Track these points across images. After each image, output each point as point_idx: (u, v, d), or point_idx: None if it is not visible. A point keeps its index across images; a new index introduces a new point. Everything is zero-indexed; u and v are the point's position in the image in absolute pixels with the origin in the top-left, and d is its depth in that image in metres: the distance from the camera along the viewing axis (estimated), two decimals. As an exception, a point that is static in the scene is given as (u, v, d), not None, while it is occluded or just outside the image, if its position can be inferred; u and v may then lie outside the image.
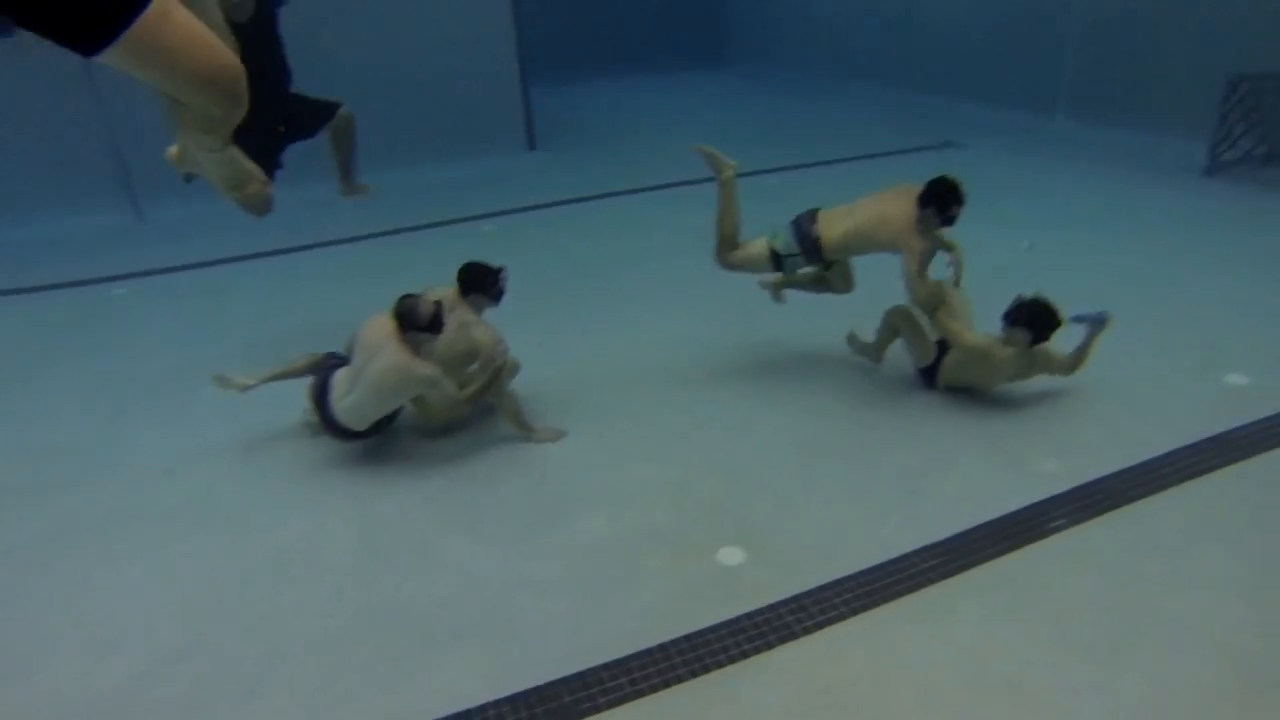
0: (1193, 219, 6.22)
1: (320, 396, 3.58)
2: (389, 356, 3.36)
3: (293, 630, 2.78)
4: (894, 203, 3.77)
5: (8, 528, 3.38)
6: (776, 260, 4.01)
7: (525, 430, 3.74)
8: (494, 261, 3.80)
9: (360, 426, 3.57)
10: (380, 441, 3.78)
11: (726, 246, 4.05)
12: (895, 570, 2.89)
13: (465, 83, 8.39)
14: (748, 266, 4.10)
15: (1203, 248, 5.64)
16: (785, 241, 3.97)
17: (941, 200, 3.67)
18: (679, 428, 3.85)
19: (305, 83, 4.29)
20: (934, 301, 3.77)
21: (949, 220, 3.71)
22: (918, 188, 3.72)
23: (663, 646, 2.63)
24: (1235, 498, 3.17)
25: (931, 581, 2.83)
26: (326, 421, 3.59)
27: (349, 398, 3.50)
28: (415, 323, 3.36)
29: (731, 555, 3.02)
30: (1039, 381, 3.97)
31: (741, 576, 2.93)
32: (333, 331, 3.98)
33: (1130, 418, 3.73)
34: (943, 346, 3.88)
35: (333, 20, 7.45)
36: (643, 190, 7.67)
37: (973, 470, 3.43)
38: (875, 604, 2.76)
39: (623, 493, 3.41)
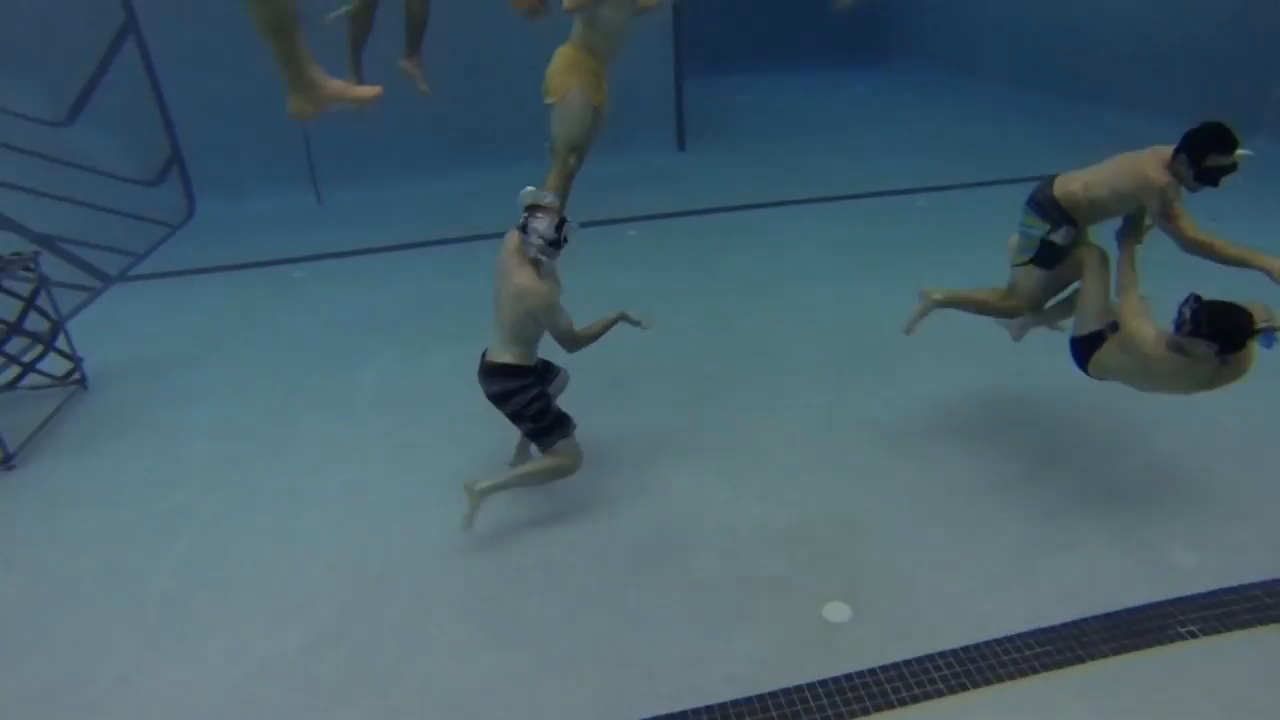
0: None
1: (481, 368, 3.52)
2: (511, 277, 3.32)
3: (425, 632, 3.11)
4: (1138, 156, 3.32)
5: (199, 499, 3.91)
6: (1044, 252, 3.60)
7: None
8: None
9: (515, 359, 3.41)
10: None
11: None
12: (1000, 651, 2.89)
13: (617, 74, 8.53)
14: (1025, 299, 3.79)
15: None
16: (1029, 224, 3.63)
17: (1198, 144, 3.06)
18: (803, 470, 3.93)
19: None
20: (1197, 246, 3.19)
21: (1208, 175, 3.09)
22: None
23: (761, 697, 2.77)
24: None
25: (1035, 671, 2.81)
26: (488, 379, 3.46)
27: (495, 341, 3.46)
28: (537, 238, 3.28)
29: (838, 611, 3.11)
30: (1188, 460, 3.78)
31: (845, 634, 3.02)
32: (484, 327, 4.23)
33: (1278, 508, 3.51)
34: (1099, 339, 3.45)
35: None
36: (795, 202, 7.64)
37: (1098, 551, 3.33)
38: (975, 684, 2.78)
39: (740, 533, 3.55)
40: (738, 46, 13.82)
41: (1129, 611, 3.03)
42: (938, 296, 3.87)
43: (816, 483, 3.83)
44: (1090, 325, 3.48)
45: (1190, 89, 9.01)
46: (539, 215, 3.31)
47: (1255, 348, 2.94)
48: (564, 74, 4.17)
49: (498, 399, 3.47)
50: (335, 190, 8.12)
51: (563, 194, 4.26)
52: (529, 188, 3.42)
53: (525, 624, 3.13)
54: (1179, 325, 2.98)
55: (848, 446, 4.08)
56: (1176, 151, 3.15)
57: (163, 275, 6.70)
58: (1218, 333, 2.89)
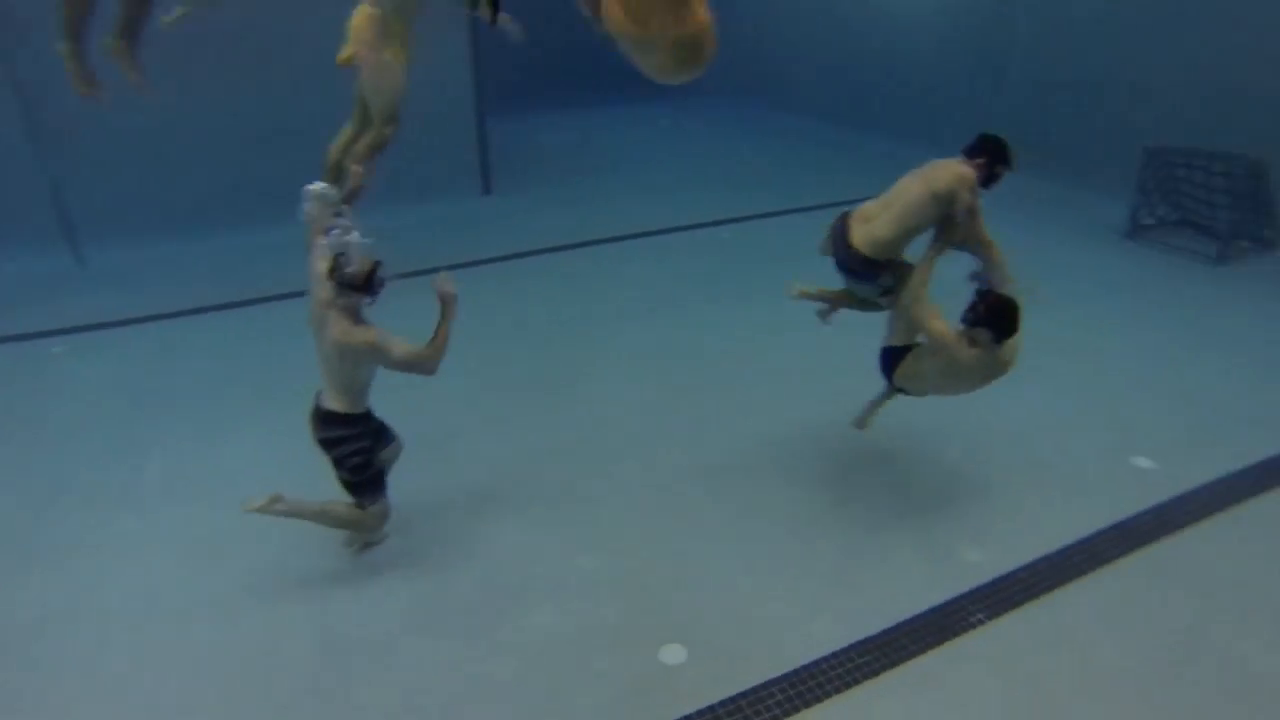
0: (1112, 284, 6.59)
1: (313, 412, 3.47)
2: (328, 328, 3.22)
3: (246, 742, 2.84)
4: (935, 165, 3.66)
5: None
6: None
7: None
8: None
9: (345, 407, 3.37)
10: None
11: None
12: (827, 668, 3.08)
13: (413, 116, 8.35)
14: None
15: (1119, 317, 6.01)
16: (858, 287, 3.90)
17: (998, 153, 3.55)
18: (631, 516, 3.99)
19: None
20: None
21: (990, 180, 3.59)
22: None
23: (605, 755, 2.77)
24: (1134, 588, 3.45)
25: (858, 681, 3.02)
26: (319, 424, 3.41)
27: (324, 386, 3.40)
28: (349, 284, 3.17)
29: (674, 654, 3.18)
30: (969, 464, 4.23)
31: (683, 675, 3.09)
32: (290, 398, 3.96)
33: (1046, 503, 4.00)
34: (906, 350, 3.75)
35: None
36: (603, 241, 7.78)
37: (904, 559, 3.64)
38: (807, 704, 2.95)
39: (572, 585, 3.54)
40: (538, 83, 13.95)
41: (931, 611, 3.33)
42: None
43: (645, 528, 3.90)
44: (904, 339, 3.75)
45: (939, 119, 10.14)
46: (349, 261, 3.17)
47: (1019, 342, 3.42)
48: (369, 36, 3.92)
49: (324, 445, 3.44)
50: (102, 249, 7.27)
51: (371, 166, 4.03)
52: (316, 184, 3.23)
53: (357, 717, 2.94)
54: (966, 316, 3.38)
55: (673, 489, 4.18)
56: (976, 155, 3.56)
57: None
58: (992, 318, 3.31)
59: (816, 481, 4.21)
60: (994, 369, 3.46)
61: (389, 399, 3.67)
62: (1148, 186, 7.51)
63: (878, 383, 4.01)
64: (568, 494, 4.14)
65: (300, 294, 5.62)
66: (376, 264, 3.23)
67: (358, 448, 3.43)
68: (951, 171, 3.58)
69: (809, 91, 12.35)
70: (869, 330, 3.99)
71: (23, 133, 6.77)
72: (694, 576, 3.59)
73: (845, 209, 3.95)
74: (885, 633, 3.23)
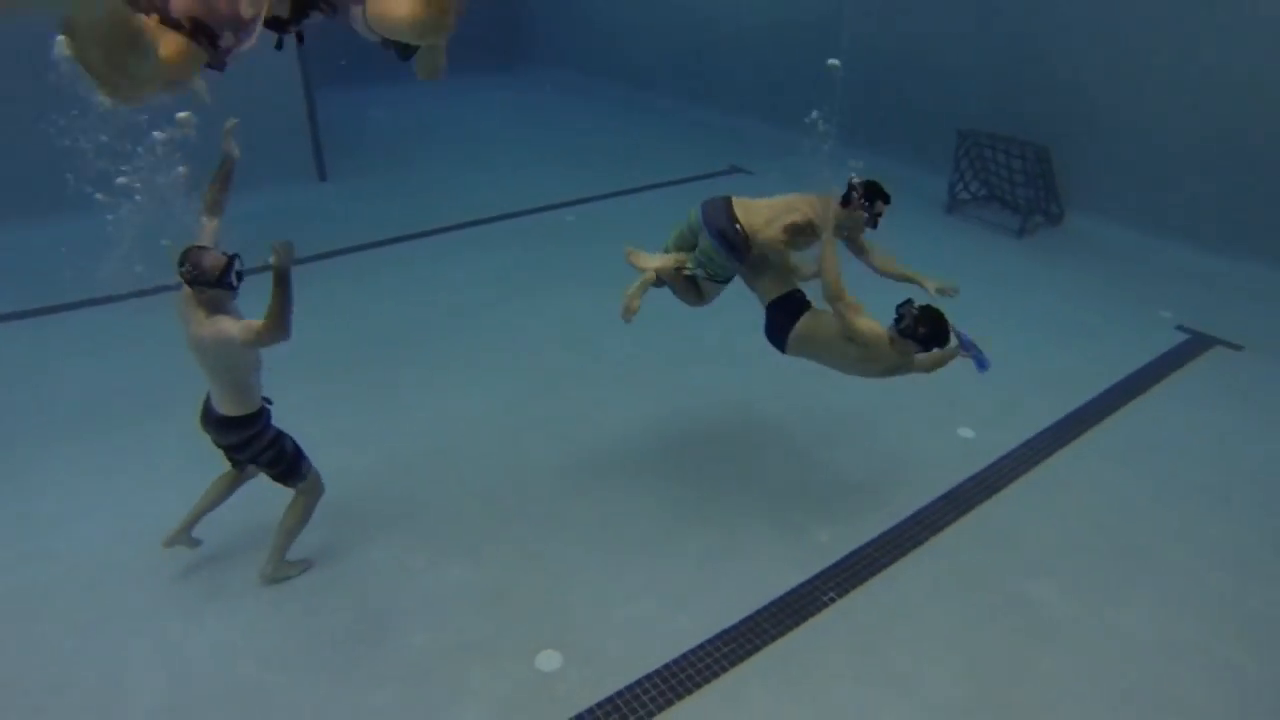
0: (934, 259, 7.09)
1: (205, 417, 3.39)
2: (193, 328, 3.14)
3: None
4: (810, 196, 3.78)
5: None
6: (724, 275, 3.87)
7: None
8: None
9: (238, 409, 3.29)
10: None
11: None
12: (696, 660, 3.26)
13: (237, 97, 7.73)
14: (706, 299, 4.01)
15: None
16: (712, 254, 3.79)
17: (873, 194, 3.73)
18: (496, 524, 4.00)
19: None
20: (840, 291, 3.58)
21: (875, 219, 3.76)
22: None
23: (490, 772, 2.82)
24: (959, 552, 3.86)
25: (726, 669, 3.23)
26: (219, 431, 3.36)
27: (212, 390, 3.30)
28: (203, 280, 3.08)
29: (550, 660, 3.26)
30: (820, 447, 4.54)
31: (560, 681, 3.18)
32: (114, 418, 3.65)
33: (884, 478, 4.38)
34: (798, 306, 3.77)
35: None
36: (446, 230, 7.58)
37: (762, 547, 3.88)
38: (680, 696, 3.12)
39: (442, 600, 3.54)
40: (364, 54, 13.24)
41: (788, 594, 3.59)
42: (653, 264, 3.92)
43: (511, 534, 3.93)
44: (779, 289, 3.75)
45: (779, 97, 10.51)
46: (201, 255, 3.08)
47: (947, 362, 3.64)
48: None
49: (234, 449, 3.43)
50: None
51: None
52: None
53: (223, 769, 2.84)
54: (898, 323, 3.51)
55: (534, 491, 4.23)
56: (852, 197, 3.73)
57: None
58: (927, 336, 3.49)
59: (674, 475, 4.37)
60: (905, 367, 3.60)
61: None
62: (962, 165, 8.19)
63: (724, 375, 4.19)
64: (429, 503, 4.11)
65: (104, 300, 5.18)
66: (232, 257, 3.13)
67: (267, 442, 3.39)
68: (820, 199, 3.74)
69: (652, 65, 12.43)
70: (705, 321, 4.08)
71: None
72: (564, 580, 3.67)
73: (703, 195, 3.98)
74: (747, 619, 3.45)
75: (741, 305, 4.17)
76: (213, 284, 3.09)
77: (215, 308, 3.14)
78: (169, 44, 2.04)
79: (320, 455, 4.42)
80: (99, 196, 2.92)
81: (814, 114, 3.78)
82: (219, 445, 3.44)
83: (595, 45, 13.52)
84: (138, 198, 3.00)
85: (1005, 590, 3.66)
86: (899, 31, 9.05)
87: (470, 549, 3.83)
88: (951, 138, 8.17)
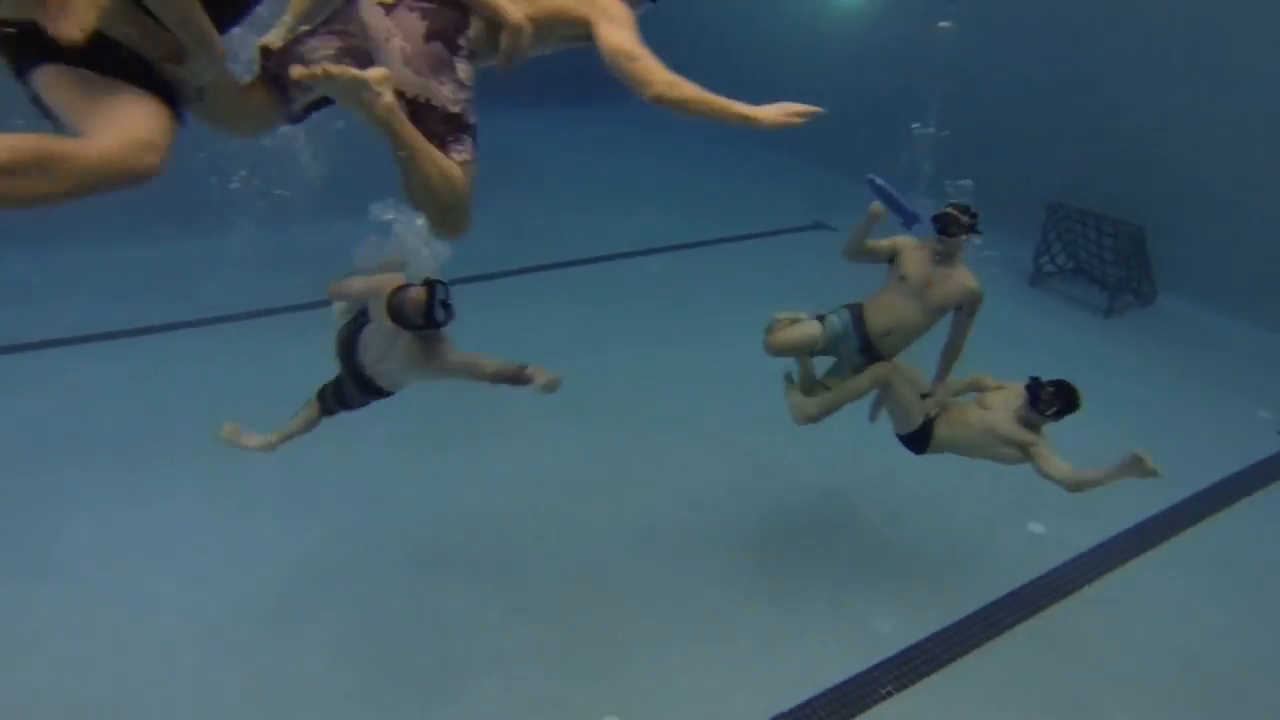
0: (1015, 335, 7.00)
1: (348, 351, 3.46)
2: (401, 354, 3.19)
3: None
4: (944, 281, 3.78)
5: None
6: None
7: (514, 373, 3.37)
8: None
9: (396, 389, 3.50)
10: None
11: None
12: (751, 744, 3.36)
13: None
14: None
15: (1020, 370, 6.39)
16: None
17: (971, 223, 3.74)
18: (564, 582, 4.16)
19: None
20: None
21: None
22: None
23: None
24: (1025, 658, 3.84)
25: (781, 757, 3.31)
26: (356, 375, 3.46)
27: (382, 364, 3.37)
28: (406, 324, 3.09)
29: (613, 728, 3.40)
30: (885, 530, 4.57)
31: (620, 750, 3.31)
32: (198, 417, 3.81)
33: (950, 568, 4.38)
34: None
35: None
36: (524, 271, 7.82)
37: (821, 631, 3.94)
38: (734, 777, 3.21)
39: (514, 655, 3.71)
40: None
41: (845, 683, 3.64)
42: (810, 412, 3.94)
43: (579, 594, 4.09)
44: (910, 424, 3.87)
45: (864, 149, 10.45)
46: (408, 294, 3.09)
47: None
48: None
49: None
50: None
51: None
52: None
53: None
54: (1035, 403, 3.62)
55: (603, 552, 4.37)
56: (955, 230, 3.71)
57: None
58: (1065, 404, 3.61)
59: (739, 545, 4.46)
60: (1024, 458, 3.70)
61: (318, 449, 3.75)
62: (1049, 237, 8.09)
63: (795, 442, 4.25)
64: (505, 556, 4.29)
65: (227, 319, 5.38)
66: (434, 285, 3.07)
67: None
68: (961, 285, 3.77)
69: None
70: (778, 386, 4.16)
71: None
72: (626, 645, 3.80)
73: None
74: (803, 705, 3.53)
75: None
76: (421, 327, 3.08)
77: (430, 341, 3.17)
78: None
79: (401, 495, 4.65)
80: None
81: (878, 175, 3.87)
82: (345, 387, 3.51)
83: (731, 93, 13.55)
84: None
85: (1070, 708, 3.63)
86: (986, 95, 9.01)
87: (540, 607, 3.99)
88: (1038, 205, 8.07)
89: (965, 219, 3.73)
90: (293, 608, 3.89)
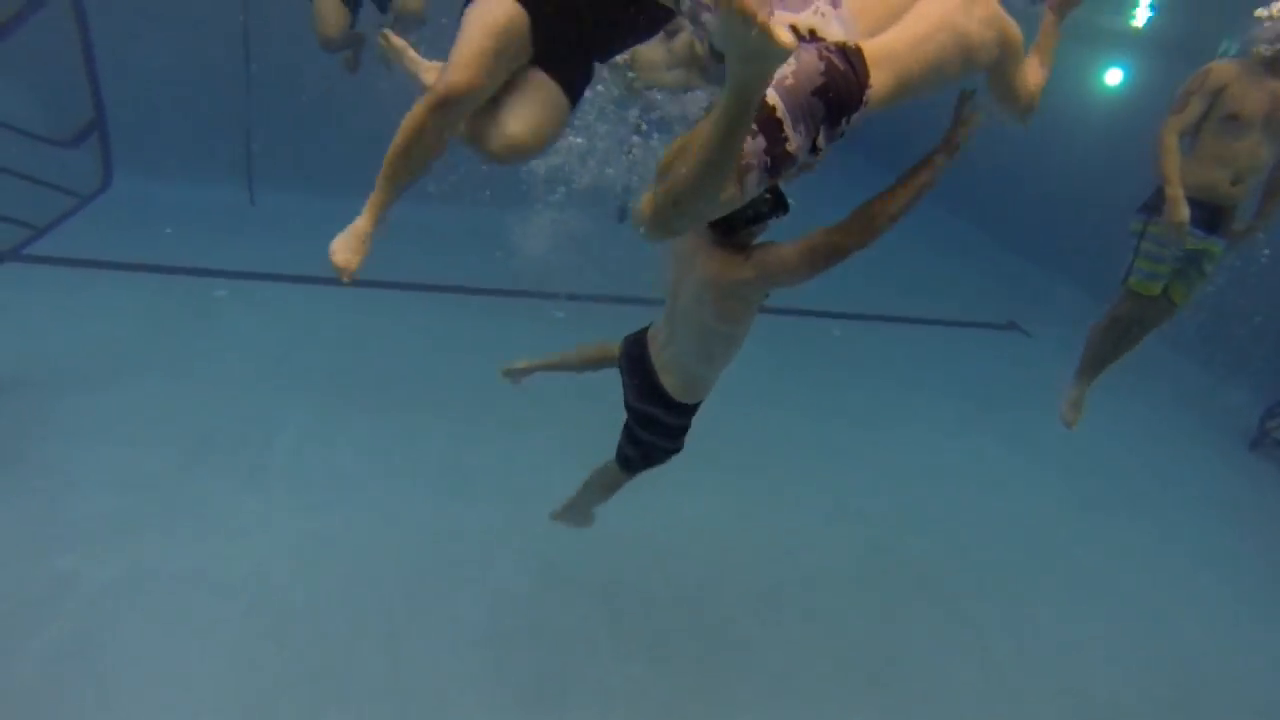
0: (1221, 498, 6.12)
1: (634, 363, 2.66)
2: (699, 269, 2.33)
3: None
4: None
5: (81, 570, 3.67)
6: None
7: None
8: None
9: (691, 397, 2.61)
10: None
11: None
12: None
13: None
14: None
15: (1212, 552, 5.38)
16: None
17: None
18: (683, 632, 4.04)
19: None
20: None
21: None
22: None
23: None
24: None
25: None
26: (641, 392, 2.65)
27: (669, 348, 2.57)
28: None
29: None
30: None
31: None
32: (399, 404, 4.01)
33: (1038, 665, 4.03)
34: None
35: None
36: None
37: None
38: None
39: (616, 694, 3.64)
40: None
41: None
42: None
43: (698, 649, 3.96)
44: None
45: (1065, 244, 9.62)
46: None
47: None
48: None
49: (638, 418, 2.74)
50: (271, 191, 7.75)
51: None
52: None
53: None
54: None
55: (732, 614, 4.23)
56: None
57: (62, 262, 6.25)
58: None
59: (856, 634, 4.18)
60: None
61: (479, 450, 3.92)
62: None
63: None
64: (643, 592, 4.19)
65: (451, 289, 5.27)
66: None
67: (676, 446, 2.80)
68: None
69: (984, 201, 11.00)
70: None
71: (241, 80, 7.29)
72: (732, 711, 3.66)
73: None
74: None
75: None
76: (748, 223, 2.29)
77: (744, 245, 2.35)
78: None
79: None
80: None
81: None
82: (627, 403, 2.80)
83: (878, 133, 12.82)
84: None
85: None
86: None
87: (657, 652, 3.90)
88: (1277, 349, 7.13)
89: None
90: (426, 584, 3.98)
